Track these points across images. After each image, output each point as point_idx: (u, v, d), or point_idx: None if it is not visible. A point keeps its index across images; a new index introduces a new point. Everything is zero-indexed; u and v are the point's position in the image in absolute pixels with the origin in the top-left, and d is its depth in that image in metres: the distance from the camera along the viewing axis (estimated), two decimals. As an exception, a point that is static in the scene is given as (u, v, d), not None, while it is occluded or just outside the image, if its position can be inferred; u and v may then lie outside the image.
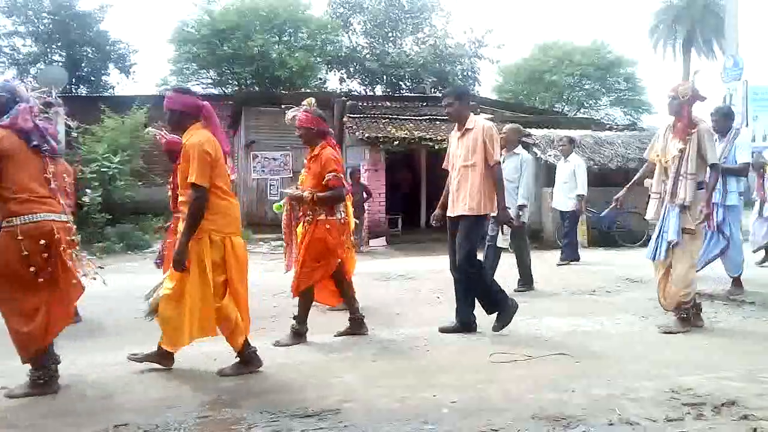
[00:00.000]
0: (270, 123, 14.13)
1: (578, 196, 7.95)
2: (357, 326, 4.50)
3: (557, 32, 60.80)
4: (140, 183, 12.49)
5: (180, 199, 3.56)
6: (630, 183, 5.09)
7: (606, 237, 10.71)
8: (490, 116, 13.41)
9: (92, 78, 20.89)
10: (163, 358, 3.66)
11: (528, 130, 12.07)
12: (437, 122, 12.33)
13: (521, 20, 50.49)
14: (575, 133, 12.25)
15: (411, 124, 12.61)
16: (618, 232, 10.77)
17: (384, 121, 12.85)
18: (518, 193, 6.06)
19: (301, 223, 4.40)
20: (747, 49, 34.24)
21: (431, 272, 7.30)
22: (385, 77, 22.20)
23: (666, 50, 30.17)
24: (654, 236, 4.61)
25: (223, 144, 3.58)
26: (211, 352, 4.08)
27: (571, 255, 8.17)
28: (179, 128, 3.60)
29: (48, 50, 19.96)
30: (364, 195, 10.69)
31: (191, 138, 3.44)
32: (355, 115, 12.60)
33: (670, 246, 4.43)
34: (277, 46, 20.00)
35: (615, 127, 15.20)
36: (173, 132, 3.68)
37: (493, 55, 22.74)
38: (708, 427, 2.71)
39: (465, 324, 4.52)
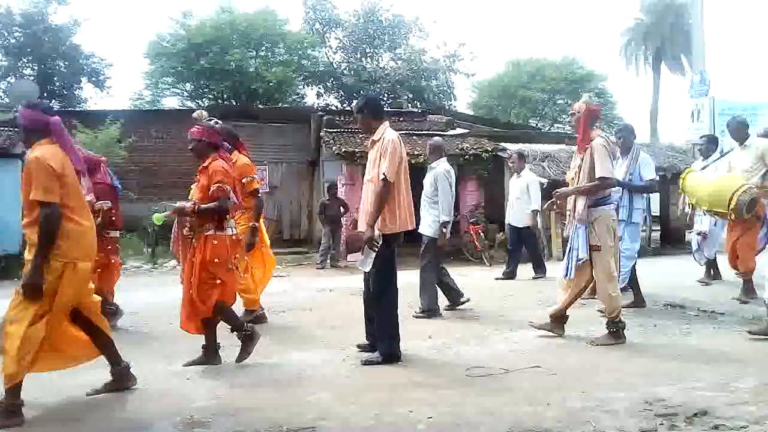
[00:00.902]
0: (246, 137, 14.03)
1: (533, 211, 7.96)
2: (247, 343, 4.14)
3: (529, 48, 62.02)
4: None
5: (24, 221, 3.24)
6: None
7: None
8: (465, 131, 13.56)
9: (64, 92, 20.55)
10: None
11: (502, 144, 12.22)
12: (414, 137, 12.40)
13: (494, 36, 51.41)
14: (549, 148, 12.44)
15: (387, 139, 12.68)
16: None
17: (361, 136, 12.88)
18: (439, 209, 5.73)
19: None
20: (714, 65, 35.34)
21: (408, 286, 7.27)
22: (362, 92, 22.31)
23: (638, 66, 30.95)
24: (566, 254, 4.64)
25: (74, 162, 3.34)
26: (183, 371, 4.01)
27: (542, 269, 8.09)
28: (27, 144, 3.38)
29: (19, 64, 19.62)
30: (341, 209, 10.68)
31: (32, 153, 3.23)
32: (332, 130, 12.61)
33: (581, 263, 4.45)
34: (254, 61, 19.98)
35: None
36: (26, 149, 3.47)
37: (467, 68, 23.04)
38: (680, 438, 2.74)
39: (373, 347, 4.26)
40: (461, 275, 7.73)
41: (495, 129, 15.17)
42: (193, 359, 4.13)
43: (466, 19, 52.25)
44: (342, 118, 13.51)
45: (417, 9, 37.05)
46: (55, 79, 20.11)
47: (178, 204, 4.17)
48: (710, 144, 6.79)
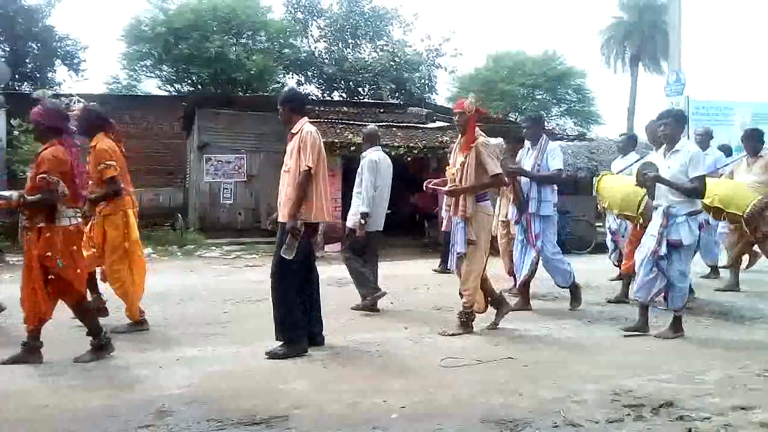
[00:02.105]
0: (225, 125, 13.88)
1: None
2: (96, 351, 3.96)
3: (510, 42, 62.32)
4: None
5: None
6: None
7: (558, 244, 10.96)
8: (445, 124, 13.60)
9: (37, 75, 20.04)
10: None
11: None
12: (394, 129, 12.40)
13: (476, 29, 51.48)
14: (527, 143, 12.53)
15: (368, 130, 12.66)
16: (568, 239, 11.07)
17: (341, 126, 12.83)
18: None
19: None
20: (690, 65, 35.96)
21: (385, 278, 7.30)
22: (343, 83, 22.18)
23: (616, 64, 31.33)
24: (450, 248, 4.74)
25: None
26: (157, 359, 3.97)
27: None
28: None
29: (-11, 45, 19.10)
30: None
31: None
32: (312, 120, 12.55)
33: (461, 257, 4.57)
34: (234, 49, 19.71)
35: (566, 137, 15.65)
36: None
37: (449, 63, 23.06)
38: (646, 428, 2.81)
39: (311, 335, 4.24)
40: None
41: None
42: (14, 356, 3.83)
43: (448, 11, 52.22)
44: (322, 109, 13.43)
45: (400, 0, 36.86)
46: (27, 61, 19.60)
47: (6, 194, 3.92)
48: (629, 141, 6.75)
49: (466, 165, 4.53)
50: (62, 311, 4.10)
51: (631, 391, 3.29)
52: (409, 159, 11.37)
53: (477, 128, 4.62)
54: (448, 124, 13.79)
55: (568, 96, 28.54)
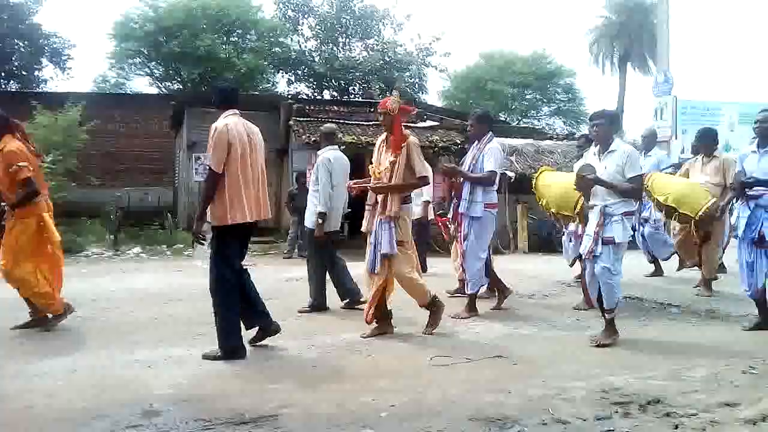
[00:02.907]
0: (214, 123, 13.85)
1: (424, 202, 7.70)
2: None
3: (501, 40, 62.46)
4: (74, 183, 11.94)
5: None
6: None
7: (546, 243, 11.04)
8: (435, 123, 13.62)
9: (24, 73, 19.85)
10: None
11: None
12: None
13: (468, 27, 51.59)
14: (517, 142, 12.61)
15: (359, 129, 12.62)
16: (558, 238, 11.12)
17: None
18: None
19: None
20: (678, 65, 36.22)
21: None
22: (333, 81, 22.16)
23: (605, 64, 31.52)
24: (370, 249, 4.52)
25: None
26: (145, 359, 3.95)
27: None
28: None
29: (-25, 42, 18.87)
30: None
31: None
32: (302, 119, 12.50)
33: (386, 258, 4.41)
34: (225, 47, 19.63)
35: (555, 136, 15.74)
36: None
37: (440, 63, 23.11)
38: (634, 425, 2.83)
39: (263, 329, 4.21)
40: (429, 266, 7.79)
41: (465, 122, 15.27)
42: None
43: (439, 10, 52.23)
44: (312, 107, 13.39)
45: (392, 0, 36.85)
46: (13, 59, 19.41)
47: None
48: (587, 143, 6.43)
49: (396, 165, 4.44)
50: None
51: (619, 388, 3.31)
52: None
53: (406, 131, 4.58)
54: (438, 123, 13.83)
55: (557, 95, 28.71)
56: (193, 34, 18.83)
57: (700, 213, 5.42)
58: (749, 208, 4.58)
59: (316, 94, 22.03)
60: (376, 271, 4.46)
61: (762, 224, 4.53)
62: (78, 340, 4.47)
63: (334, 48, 22.52)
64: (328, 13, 22.39)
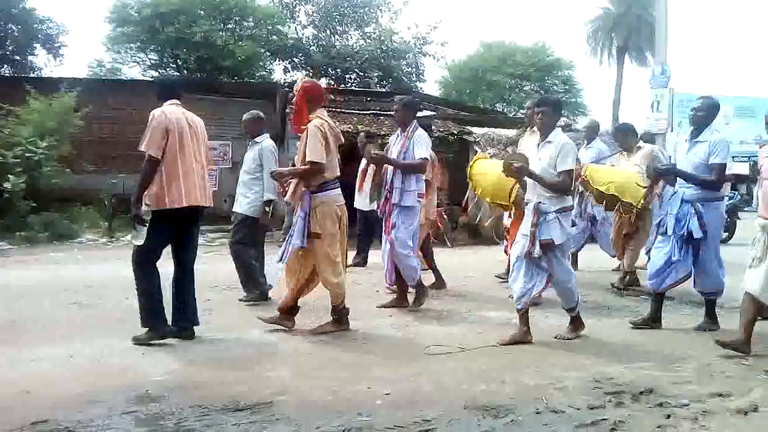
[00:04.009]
0: (210, 112, 13.72)
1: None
2: None
3: (501, 30, 62.26)
4: (69, 170, 11.86)
5: None
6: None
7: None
8: (432, 113, 13.59)
9: (17, 57, 19.64)
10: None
11: (468, 128, 12.30)
12: (381, 117, 12.35)
13: (467, 16, 51.30)
14: (514, 133, 12.56)
15: (355, 118, 12.57)
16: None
17: (328, 113, 12.77)
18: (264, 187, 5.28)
19: None
20: (676, 58, 36.24)
21: (370, 266, 7.33)
22: (330, 70, 22.04)
23: (603, 55, 31.47)
24: (285, 240, 4.35)
25: None
26: (139, 346, 3.95)
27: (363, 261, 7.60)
28: None
29: (-33, 26, 18.64)
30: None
31: None
32: (298, 107, 12.45)
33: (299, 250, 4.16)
34: (222, 34, 19.46)
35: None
36: None
37: (437, 52, 22.99)
38: (627, 414, 2.86)
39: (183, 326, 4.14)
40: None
41: (461, 112, 15.24)
42: None
43: None
44: (309, 96, 13.30)
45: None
46: (7, 43, 19.19)
47: None
48: (524, 130, 6.24)
49: (300, 149, 4.20)
50: (46, 297, 4.05)
51: (612, 378, 3.35)
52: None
53: (321, 110, 4.31)
54: (435, 113, 13.79)
55: (555, 87, 28.64)
56: (189, 20, 18.65)
57: (642, 201, 5.29)
58: (676, 202, 4.39)
59: (313, 82, 21.90)
60: (285, 262, 4.22)
61: (689, 222, 4.30)
62: (74, 326, 4.47)
63: (331, 36, 22.38)
64: (326, 0, 22.22)
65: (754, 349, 3.88)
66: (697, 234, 4.28)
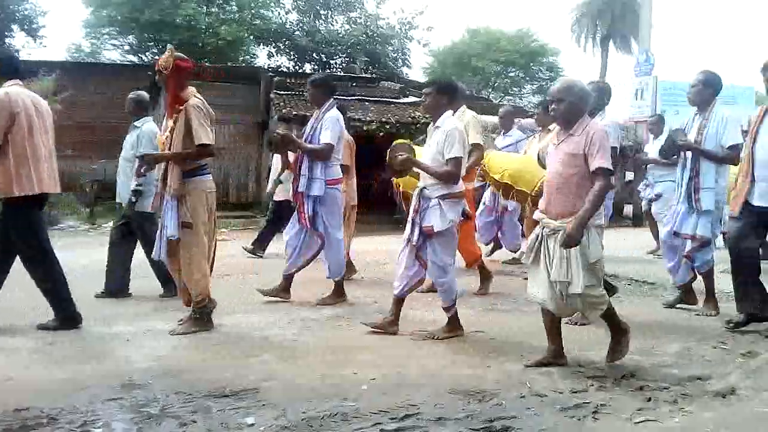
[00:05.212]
0: (193, 96, 13.58)
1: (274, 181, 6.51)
2: None
3: (486, 16, 62.10)
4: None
5: None
6: None
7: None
8: (418, 99, 13.53)
9: (-6, 39, 19.18)
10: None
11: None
12: (367, 103, 12.29)
13: (454, 2, 50.94)
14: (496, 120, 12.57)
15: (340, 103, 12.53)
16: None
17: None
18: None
19: None
20: (659, 46, 36.43)
21: (356, 253, 7.32)
22: (315, 55, 21.84)
23: (587, 43, 31.54)
24: (158, 232, 4.01)
25: None
26: (124, 332, 3.92)
27: (260, 248, 7.40)
28: None
29: (-58, 6, 18.12)
30: (290, 173, 10.50)
31: None
32: (283, 92, 12.33)
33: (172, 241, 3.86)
34: (205, 17, 19.16)
35: (537, 114, 15.76)
36: None
37: (422, 37, 22.91)
38: (609, 398, 2.91)
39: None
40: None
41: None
42: None
43: (423, -15, 51.37)
44: (293, 80, 13.21)
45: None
46: (-17, 24, 18.72)
47: None
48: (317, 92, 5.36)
49: (174, 131, 3.85)
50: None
51: (594, 363, 3.40)
52: (381, 134, 11.31)
53: (192, 88, 3.98)
54: (421, 99, 13.75)
55: (540, 74, 28.69)
56: (172, 3, 18.32)
57: (535, 188, 4.87)
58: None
59: (297, 67, 21.70)
60: (162, 257, 3.96)
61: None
62: (50, 312, 4.40)
63: (316, 21, 22.15)
64: (310, -16, 21.96)
65: (732, 333, 3.96)
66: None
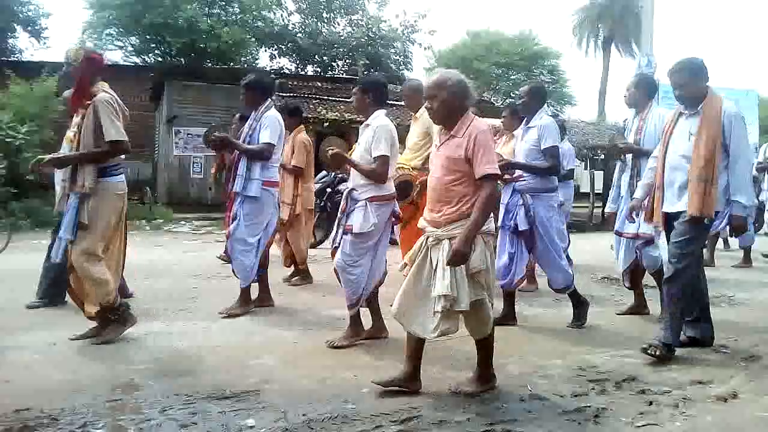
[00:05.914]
0: (195, 98, 13.60)
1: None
2: None
3: (487, 19, 62.09)
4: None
5: None
6: None
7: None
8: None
9: (-3, 41, 19.25)
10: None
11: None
12: (368, 105, 12.30)
13: (454, 5, 51.01)
14: (500, 122, 12.57)
15: (342, 106, 12.51)
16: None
17: (315, 101, 12.69)
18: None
19: None
20: (661, 49, 36.43)
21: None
22: (317, 57, 21.87)
23: (589, 46, 31.57)
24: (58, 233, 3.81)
25: None
26: (125, 334, 3.91)
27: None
28: None
29: (-55, 8, 18.18)
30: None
31: None
32: (285, 94, 12.36)
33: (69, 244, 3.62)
34: (207, 19, 19.19)
35: (504, 118, 15.77)
36: None
37: (425, 40, 22.93)
38: (609, 401, 2.90)
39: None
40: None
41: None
42: None
43: (426, -13, 51.52)
44: (295, 83, 13.24)
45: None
46: (-14, 26, 18.78)
47: None
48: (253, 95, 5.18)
49: (83, 128, 3.63)
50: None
51: (596, 366, 3.39)
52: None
53: (103, 83, 3.78)
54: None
55: (542, 77, 28.72)
56: (174, 5, 18.35)
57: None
58: (509, 193, 4.23)
59: (299, 69, 21.73)
60: (59, 260, 3.76)
61: (516, 213, 4.16)
62: (56, 314, 4.42)
63: (318, 23, 22.19)
64: (313, -14, 22.00)
65: (734, 338, 3.94)
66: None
